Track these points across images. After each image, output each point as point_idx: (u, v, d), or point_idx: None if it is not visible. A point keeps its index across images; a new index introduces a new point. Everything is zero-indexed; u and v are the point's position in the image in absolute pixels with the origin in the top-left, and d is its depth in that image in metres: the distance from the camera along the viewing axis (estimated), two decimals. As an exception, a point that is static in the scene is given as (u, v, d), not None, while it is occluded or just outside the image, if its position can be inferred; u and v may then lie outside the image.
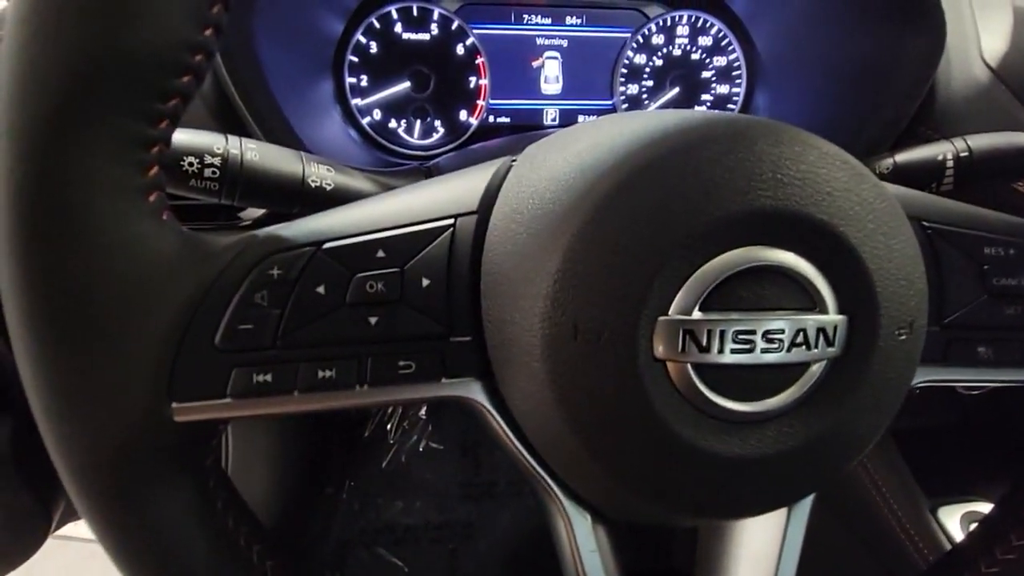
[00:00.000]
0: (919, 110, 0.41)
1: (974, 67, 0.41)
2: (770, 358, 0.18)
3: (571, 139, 0.21)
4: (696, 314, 0.18)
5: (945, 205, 0.24)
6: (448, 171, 0.23)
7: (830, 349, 0.19)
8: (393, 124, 0.54)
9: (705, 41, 0.56)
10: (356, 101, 0.53)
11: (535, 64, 0.56)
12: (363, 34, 0.52)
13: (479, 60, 0.54)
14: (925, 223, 0.24)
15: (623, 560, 0.23)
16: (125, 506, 0.18)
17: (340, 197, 0.28)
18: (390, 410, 0.67)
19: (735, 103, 0.58)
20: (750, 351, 0.18)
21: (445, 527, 0.66)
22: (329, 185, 0.28)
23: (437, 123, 0.55)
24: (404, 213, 0.20)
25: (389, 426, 0.67)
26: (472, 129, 0.55)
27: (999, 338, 0.24)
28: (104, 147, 0.15)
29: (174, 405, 0.18)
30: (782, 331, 0.18)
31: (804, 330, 0.18)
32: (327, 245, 0.19)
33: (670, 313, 0.18)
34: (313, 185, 0.27)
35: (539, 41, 0.55)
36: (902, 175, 0.34)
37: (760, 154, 0.18)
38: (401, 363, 0.20)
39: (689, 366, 0.18)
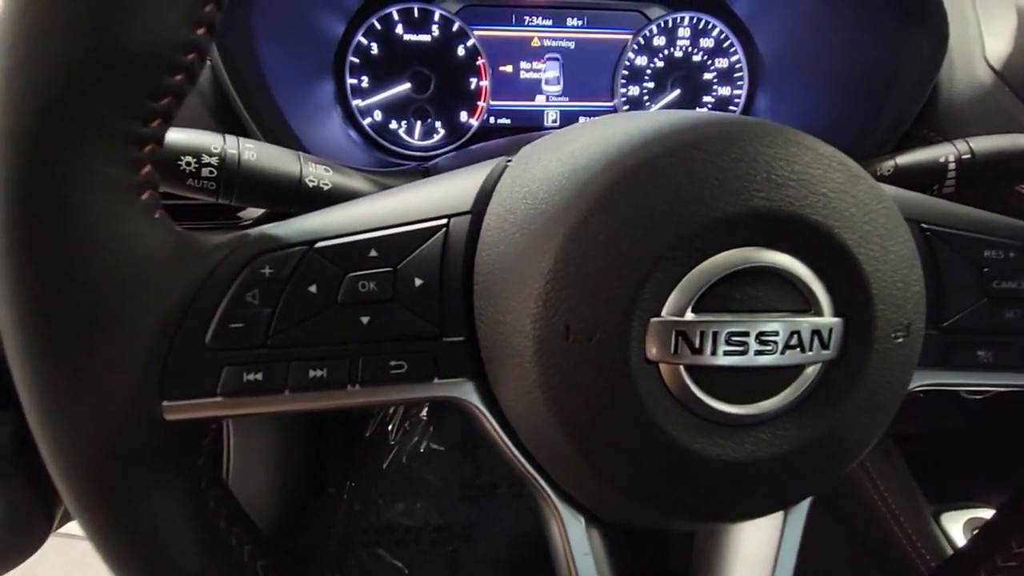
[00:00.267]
0: (921, 112, 0.41)
1: (977, 69, 0.40)
2: (764, 360, 0.18)
3: (566, 139, 0.21)
4: (689, 315, 0.17)
5: (944, 207, 0.24)
6: (446, 171, 0.23)
7: (825, 352, 0.18)
8: (393, 125, 0.54)
9: (707, 43, 0.56)
10: (357, 102, 0.53)
11: (536, 66, 0.56)
12: (364, 35, 0.52)
13: (480, 61, 0.54)
14: (924, 225, 0.23)
15: (618, 563, 0.23)
16: (115, 505, 0.18)
17: (337, 197, 0.28)
18: (391, 411, 0.67)
19: (736, 105, 0.58)
20: (744, 353, 0.18)
21: (445, 528, 0.66)
22: (326, 185, 0.28)
23: (437, 124, 0.55)
24: (397, 213, 0.20)
25: (390, 427, 0.67)
26: (472, 130, 0.55)
27: (999, 342, 0.24)
28: (96, 145, 0.15)
29: (164, 404, 0.18)
30: (776, 333, 0.18)
31: (799, 332, 0.18)
32: (319, 244, 0.19)
33: (663, 314, 0.17)
34: (310, 185, 0.27)
35: (540, 43, 0.55)
36: (903, 177, 0.34)
37: (754, 155, 0.17)
38: (393, 363, 0.20)
39: (682, 368, 0.18)
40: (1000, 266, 0.24)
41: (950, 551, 0.48)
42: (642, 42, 0.56)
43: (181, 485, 0.19)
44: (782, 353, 0.18)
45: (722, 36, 0.56)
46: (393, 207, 0.21)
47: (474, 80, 0.54)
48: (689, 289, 0.17)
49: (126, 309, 0.17)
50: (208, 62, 0.36)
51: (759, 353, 0.18)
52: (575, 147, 0.20)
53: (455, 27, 0.53)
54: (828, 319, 0.18)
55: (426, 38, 0.53)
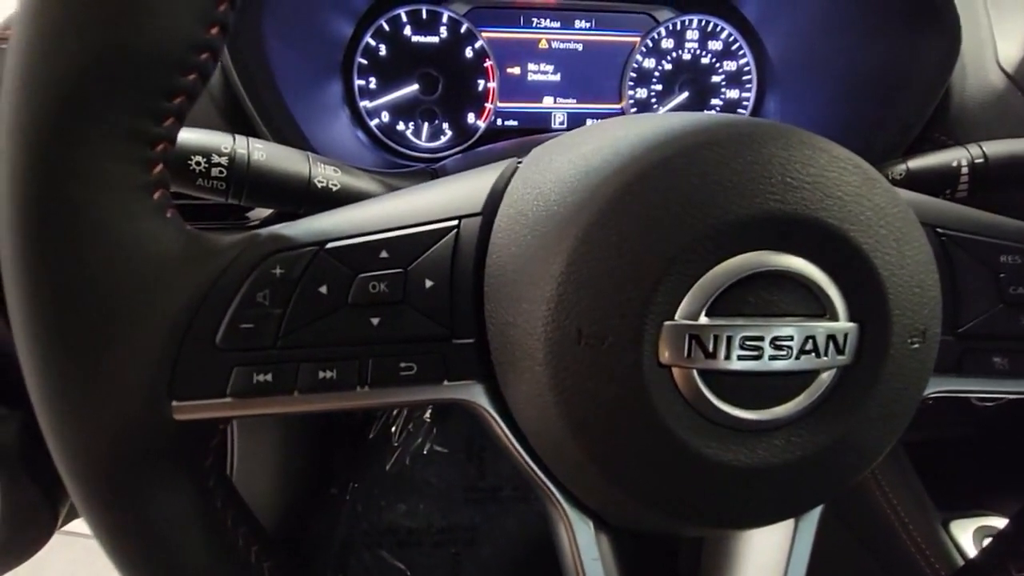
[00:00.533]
0: (933, 116, 0.40)
1: (990, 73, 0.40)
2: (778, 365, 0.18)
3: (577, 141, 0.21)
4: (703, 319, 0.17)
5: (960, 211, 0.24)
6: (454, 173, 0.23)
7: (840, 357, 0.18)
8: (401, 126, 0.54)
9: (715, 45, 0.56)
10: (364, 103, 0.53)
11: (544, 68, 0.56)
12: (372, 36, 0.52)
13: (488, 63, 0.54)
14: (939, 230, 0.23)
15: (627, 568, 0.23)
16: (123, 505, 0.18)
17: (346, 197, 0.28)
18: (395, 412, 0.67)
19: (745, 108, 0.58)
20: (758, 358, 0.17)
21: (448, 531, 0.66)
22: (335, 186, 0.28)
23: (445, 126, 0.55)
24: (408, 214, 0.20)
25: (394, 428, 0.67)
26: (480, 132, 0.55)
27: (1015, 348, 0.24)
28: (109, 144, 0.15)
29: (174, 404, 0.18)
30: (791, 338, 0.18)
31: (813, 337, 0.18)
32: (330, 245, 0.19)
33: (676, 318, 0.17)
34: (319, 185, 0.27)
35: (548, 45, 0.55)
36: (915, 181, 0.33)
37: (769, 157, 0.17)
38: (403, 365, 0.20)
39: (695, 372, 0.18)
40: (1016, 271, 0.23)
41: (959, 559, 0.47)
42: (650, 44, 0.56)
43: (189, 485, 0.19)
44: (797, 358, 0.18)
45: (731, 39, 0.56)
46: (404, 208, 0.20)
47: (482, 82, 0.54)
48: (703, 293, 0.17)
49: (137, 308, 0.17)
50: (219, 63, 0.36)
51: (773, 358, 0.18)
52: (587, 148, 0.20)
53: (463, 29, 0.53)
54: (843, 324, 0.18)
55: (434, 40, 0.53)
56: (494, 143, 0.51)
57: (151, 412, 0.18)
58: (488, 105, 0.55)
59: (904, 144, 0.41)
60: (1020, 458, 0.52)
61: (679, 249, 0.17)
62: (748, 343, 0.17)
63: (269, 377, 0.19)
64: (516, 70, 0.55)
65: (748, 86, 0.57)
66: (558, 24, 0.55)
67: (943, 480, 0.51)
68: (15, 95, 0.15)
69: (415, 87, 0.53)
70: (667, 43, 0.56)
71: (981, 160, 0.32)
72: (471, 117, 0.55)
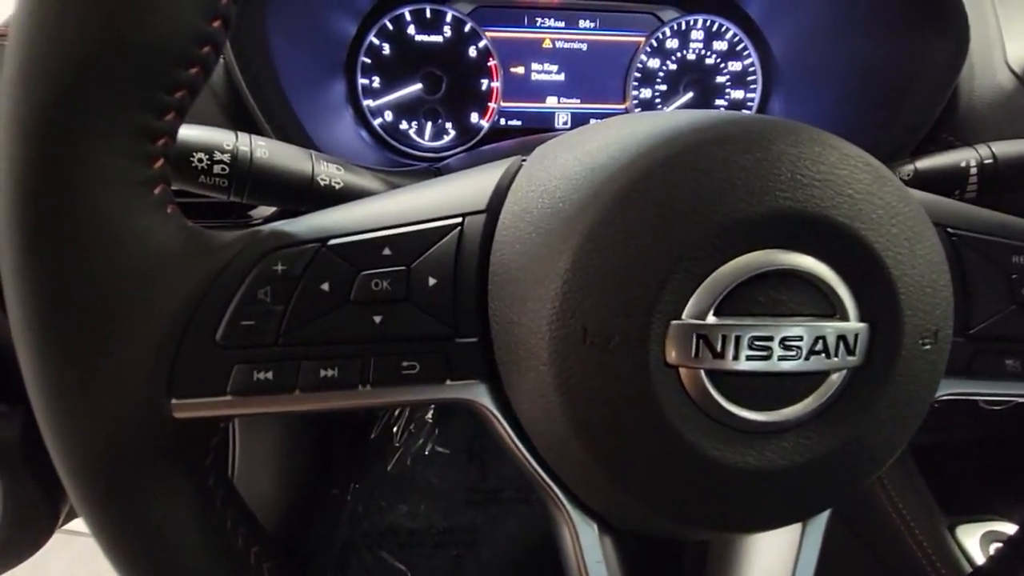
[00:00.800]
0: (941, 116, 0.40)
1: (998, 73, 0.40)
2: (787, 366, 0.17)
3: (583, 138, 0.21)
4: (710, 319, 0.17)
5: (971, 212, 0.24)
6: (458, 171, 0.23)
7: (851, 358, 0.18)
8: (404, 126, 0.54)
9: (720, 45, 0.56)
10: (368, 102, 0.53)
11: (548, 67, 0.55)
12: (376, 35, 0.52)
13: (491, 63, 0.54)
14: (950, 230, 0.23)
15: (631, 572, 0.22)
16: (121, 503, 0.18)
17: (349, 196, 0.27)
18: (396, 413, 0.66)
19: (750, 109, 0.57)
20: (767, 358, 0.17)
21: (449, 532, 0.66)
22: (338, 184, 0.28)
23: (448, 125, 0.55)
24: (412, 211, 0.20)
25: (395, 429, 0.67)
26: (483, 132, 0.55)
27: None
28: (109, 138, 0.15)
29: (173, 402, 0.18)
30: (800, 338, 0.17)
31: (823, 337, 0.17)
32: (332, 242, 0.19)
33: (683, 317, 0.17)
34: (322, 184, 0.27)
35: (552, 44, 0.55)
36: (923, 182, 0.33)
37: (778, 154, 0.17)
38: (405, 363, 0.19)
39: (702, 372, 0.17)
40: None
41: (966, 564, 0.47)
42: (655, 44, 0.55)
43: (188, 484, 0.19)
44: (806, 359, 0.17)
45: (736, 39, 0.56)
46: (407, 205, 0.20)
47: (485, 81, 0.54)
48: (711, 292, 0.17)
49: (136, 305, 0.17)
50: (221, 60, 0.36)
51: (783, 358, 0.17)
52: (593, 145, 0.19)
53: (467, 28, 0.53)
54: (854, 324, 0.18)
55: (438, 39, 0.53)
56: (497, 143, 0.50)
57: (150, 410, 0.17)
58: (492, 105, 0.55)
59: (911, 145, 0.40)
60: (1027, 462, 0.51)
61: (686, 247, 0.17)
62: (757, 343, 0.17)
63: (270, 375, 0.18)
64: (520, 70, 0.55)
65: (753, 87, 0.57)
66: (562, 24, 0.55)
67: (949, 484, 0.50)
68: (14, 88, 0.15)
69: (419, 86, 0.53)
70: (672, 43, 0.56)
71: (990, 161, 0.31)
72: (474, 117, 0.55)
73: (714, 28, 0.56)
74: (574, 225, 0.17)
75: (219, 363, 0.18)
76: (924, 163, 0.33)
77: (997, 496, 0.52)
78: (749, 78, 0.57)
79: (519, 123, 0.56)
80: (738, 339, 0.17)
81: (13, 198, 0.15)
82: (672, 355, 0.17)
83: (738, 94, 0.57)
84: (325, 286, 0.19)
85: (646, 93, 0.56)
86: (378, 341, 0.19)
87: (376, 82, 0.53)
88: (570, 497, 0.21)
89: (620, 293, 0.17)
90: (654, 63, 0.56)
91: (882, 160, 0.28)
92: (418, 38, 0.53)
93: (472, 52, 0.53)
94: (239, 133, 0.26)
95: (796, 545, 0.23)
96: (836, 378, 0.18)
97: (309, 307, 0.19)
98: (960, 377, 0.23)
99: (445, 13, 0.52)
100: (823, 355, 0.17)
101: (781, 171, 0.17)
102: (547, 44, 0.55)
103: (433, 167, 0.34)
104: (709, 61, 0.56)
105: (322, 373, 0.19)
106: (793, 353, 0.17)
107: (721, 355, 0.17)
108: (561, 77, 0.56)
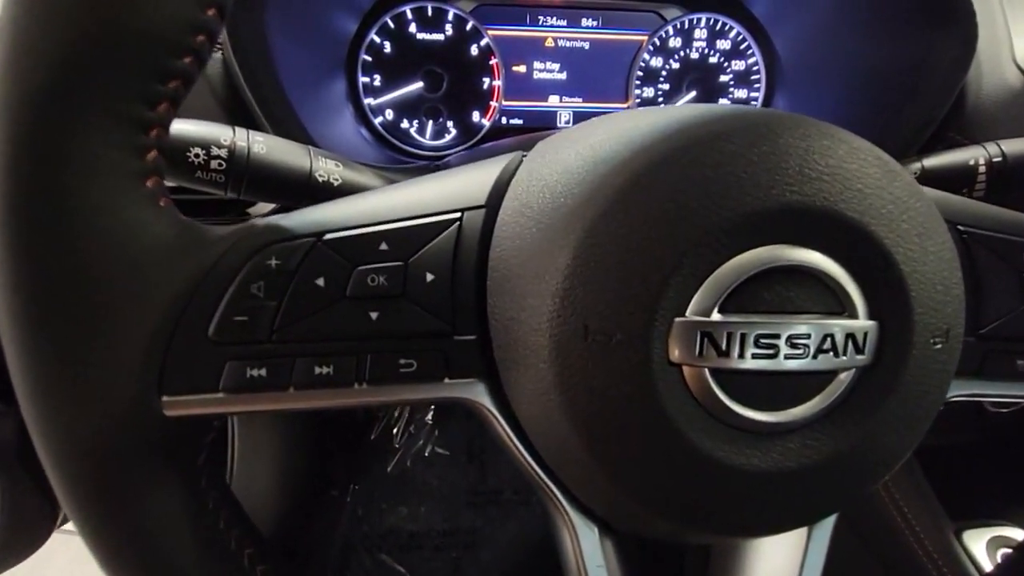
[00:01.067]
0: (948, 115, 0.39)
1: (1006, 71, 0.39)
2: (794, 365, 0.17)
3: (585, 132, 0.20)
4: (715, 316, 0.17)
5: (981, 209, 0.23)
6: None
7: (859, 357, 0.17)
8: (405, 124, 0.54)
9: (723, 44, 0.56)
10: (369, 100, 0.52)
11: (550, 66, 0.55)
12: (377, 33, 0.52)
13: (493, 61, 0.53)
14: (961, 227, 0.22)
15: (631, 575, 0.22)
16: (110, 504, 0.17)
17: (347, 192, 0.27)
18: (396, 413, 0.66)
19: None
20: (773, 357, 0.17)
21: (449, 534, 0.65)
22: (337, 180, 0.27)
23: (449, 124, 0.54)
24: (409, 205, 0.20)
25: (395, 430, 0.67)
26: (484, 130, 0.55)
27: None
28: (100, 129, 0.15)
29: (164, 398, 0.17)
30: (808, 336, 0.17)
31: (832, 336, 0.17)
32: (328, 236, 0.19)
33: (687, 314, 0.17)
34: (320, 180, 0.27)
35: (554, 43, 0.55)
36: (930, 180, 0.32)
37: (786, 147, 0.17)
38: (402, 361, 0.19)
39: (707, 371, 0.17)
40: None
41: (973, 570, 0.46)
42: (658, 43, 0.55)
43: (179, 484, 0.19)
44: (814, 357, 0.17)
45: (739, 37, 0.56)
46: (405, 199, 0.20)
47: (487, 80, 0.54)
48: (716, 288, 0.16)
49: (126, 299, 0.16)
50: (221, 56, 0.36)
51: (789, 357, 0.17)
52: (595, 140, 0.19)
53: (469, 26, 0.53)
54: (863, 322, 0.17)
55: (439, 37, 0.53)
56: (498, 140, 0.50)
57: (140, 406, 0.17)
58: (493, 103, 0.54)
59: (918, 144, 0.40)
60: (1035, 467, 0.50)
61: (691, 243, 0.16)
62: (763, 341, 0.17)
63: (263, 372, 0.18)
64: (522, 68, 0.55)
65: (757, 85, 0.56)
66: (565, 22, 0.54)
67: (955, 488, 0.49)
68: (3, 77, 0.14)
69: (419, 85, 0.53)
70: (675, 42, 0.55)
71: (999, 159, 0.31)
72: (476, 115, 0.54)
73: (717, 27, 0.55)
74: (575, 220, 0.17)
75: (211, 359, 0.18)
76: (931, 161, 0.33)
77: (1004, 501, 0.51)
78: (753, 77, 0.56)
79: (521, 122, 0.56)
80: (743, 337, 0.17)
81: (1, 189, 0.15)
82: (675, 353, 0.17)
83: (741, 93, 0.56)
84: (320, 281, 0.18)
85: (649, 92, 0.56)
86: (374, 338, 0.19)
87: (377, 80, 0.52)
88: (570, 499, 0.21)
89: (622, 289, 0.16)
90: (657, 62, 0.55)
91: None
92: (419, 36, 0.52)
93: (474, 50, 0.53)
94: (236, 128, 0.25)
95: (802, 550, 0.22)
96: (844, 378, 0.18)
97: (304, 302, 0.18)
98: (971, 378, 0.22)
99: (447, 11, 0.52)
100: (831, 354, 0.17)
101: (789, 165, 0.16)
102: (549, 42, 0.55)
103: (433, 165, 0.34)
104: (712, 60, 0.56)
105: (317, 370, 0.18)
106: (800, 352, 0.17)
107: (726, 353, 0.17)
108: (563, 76, 0.55)
